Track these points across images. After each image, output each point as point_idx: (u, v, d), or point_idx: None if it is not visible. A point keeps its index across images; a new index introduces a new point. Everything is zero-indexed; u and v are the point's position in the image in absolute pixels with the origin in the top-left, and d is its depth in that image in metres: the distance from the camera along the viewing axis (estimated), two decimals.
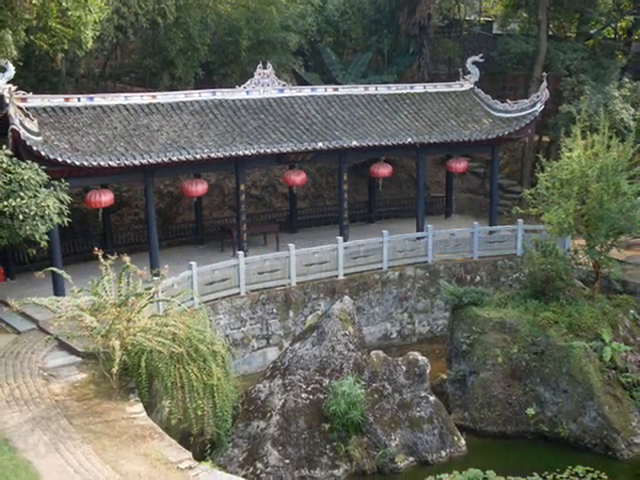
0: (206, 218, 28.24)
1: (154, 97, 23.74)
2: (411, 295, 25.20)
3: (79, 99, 22.24)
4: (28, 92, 21.23)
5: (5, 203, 17.09)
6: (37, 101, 21.21)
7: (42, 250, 19.84)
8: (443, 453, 17.67)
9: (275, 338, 22.98)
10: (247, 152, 22.95)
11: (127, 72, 35.35)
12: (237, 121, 24.12)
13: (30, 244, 18.93)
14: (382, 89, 28.21)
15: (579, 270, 21.82)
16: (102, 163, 20.28)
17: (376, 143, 25.17)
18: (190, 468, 12.25)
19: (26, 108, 20.12)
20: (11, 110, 18.53)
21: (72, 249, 24.29)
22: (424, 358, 18.88)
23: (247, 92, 25.31)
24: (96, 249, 16.52)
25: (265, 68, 25.71)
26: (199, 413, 14.83)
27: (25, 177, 17.59)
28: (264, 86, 25.58)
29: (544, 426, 18.76)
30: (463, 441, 18.12)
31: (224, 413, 15.55)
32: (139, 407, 14.28)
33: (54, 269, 17.72)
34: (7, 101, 18.55)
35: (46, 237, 17.95)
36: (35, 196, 17.55)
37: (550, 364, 19.01)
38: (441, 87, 29.20)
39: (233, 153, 22.71)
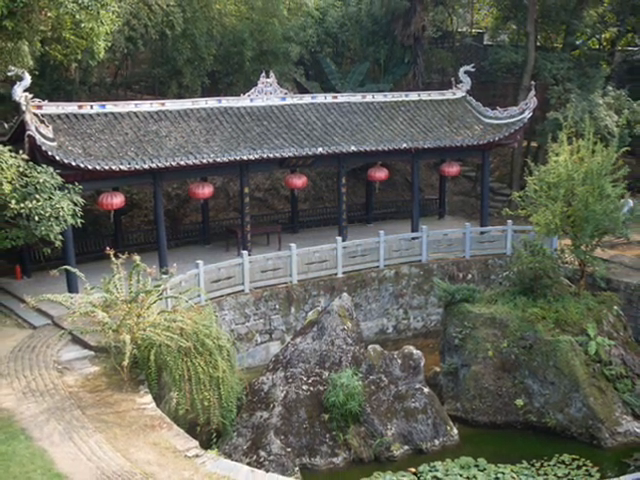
0: (212, 219, 28.21)
1: (163, 105, 23.73)
2: (406, 292, 25.19)
3: (92, 106, 22.22)
4: (43, 100, 21.24)
5: (22, 205, 17.08)
6: (52, 108, 21.19)
7: (56, 250, 19.81)
8: (437, 442, 17.66)
9: (277, 333, 22.97)
10: (251, 157, 22.94)
11: (137, 81, 35.31)
12: (241, 127, 24.11)
13: (45, 244, 18.91)
14: (379, 97, 28.20)
15: (565, 268, 21.81)
16: (113, 167, 20.28)
17: (373, 148, 25.16)
18: (197, 456, 12.25)
19: (42, 115, 20.13)
20: (27, 117, 18.53)
21: (85, 249, 24.25)
22: (419, 352, 18.88)
23: (251, 100, 25.30)
24: (108, 249, 16.54)
25: (268, 77, 25.70)
26: (205, 404, 14.82)
27: (40, 180, 17.58)
28: (267, 94, 25.56)
29: (532, 416, 18.75)
30: (455, 430, 18.11)
31: (229, 404, 15.53)
32: (148, 398, 14.27)
33: (68, 268, 17.72)
34: (24, 108, 18.56)
35: (60, 237, 17.93)
36: (50, 198, 17.53)
37: (538, 357, 19.00)
38: (435, 95, 29.17)
39: (238, 158, 22.70)
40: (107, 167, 20.14)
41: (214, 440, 15.74)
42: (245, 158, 22.85)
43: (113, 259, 16.00)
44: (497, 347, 19.49)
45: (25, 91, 19.06)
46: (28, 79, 19.24)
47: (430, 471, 16.52)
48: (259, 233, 26.55)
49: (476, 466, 16.70)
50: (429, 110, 28.12)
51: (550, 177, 20.23)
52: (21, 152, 17.73)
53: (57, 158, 19.13)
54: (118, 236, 25.28)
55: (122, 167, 20.43)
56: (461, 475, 16.28)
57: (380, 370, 18.36)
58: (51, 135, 19.73)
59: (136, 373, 15.17)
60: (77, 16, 18.78)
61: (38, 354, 16.38)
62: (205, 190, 24.16)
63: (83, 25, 19.35)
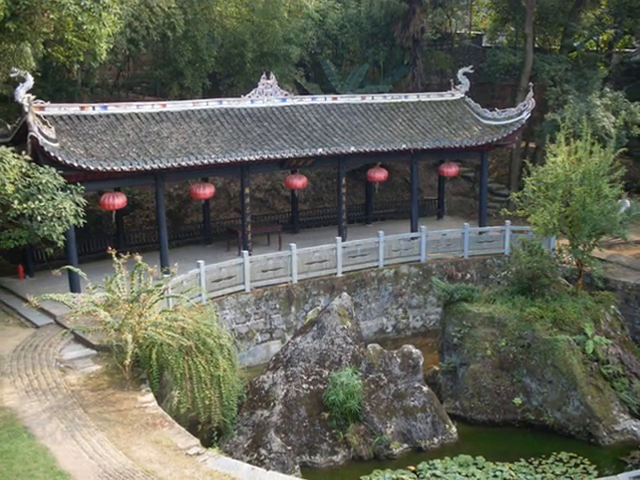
0: (213, 219, 28.22)
1: (164, 106, 23.73)
2: (405, 292, 25.18)
3: (94, 108, 22.23)
4: (46, 101, 21.24)
5: (24, 205, 17.07)
6: (54, 109, 21.20)
7: (59, 249, 19.83)
8: (435, 440, 17.66)
9: (278, 332, 22.97)
10: (252, 158, 22.93)
11: (139, 82, 35.34)
12: (242, 128, 24.10)
13: (48, 244, 18.92)
14: (378, 98, 28.20)
15: (563, 268, 21.84)
16: (115, 168, 20.28)
17: (373, 149, 25.16)
18: (198, 454, 12.25)
19: (44, 116, 20.12)
20: (30, 118, 18.53)
21: (87, 249, 24.24)
22: (418, 351, 18.88)
23: (252, 101, 25.30)
24: (110, 248, 16.57)
25: (268, 79, 25.70)
26: (206, 402, 14.83)
27: (43, 181, 17.57)
28: (267, 95, 25.56)
29: (530, 415, 18.75)
30: (454, 429, 18.11)
31: (230, 402, 15.54)
32: (150, 397, 14.27)
33: (70, 267, 17.70)
34: (26, 109, 18.55)
35: (63, 237, 17.91)
36: (52, 199, 17.53)
37: (536, 356, 19.00)
38: (433, 96, 29.17)
39: (238, 158, 22.70)
40: (109, 168, 20.15)
41: (215, 438, 15.75)
42: (246, 159, 22.85)
43: (115, 259, 16.00)
44: (495, 346, 19.49)
45: (28, 92, 19.06)
46: (31, 80, 19.24)
47: (429, 469, 16.52)
48: (260, 233, 26.55)
49: (475, 464, 16.71)
50: (428, 111, 28.12)
51: (548, 178, 20.25)
52: (24, 153, 17.71)
53: (59, 159, 19.14)
54: (120, 236, 25.28)
55: (124, 168, 20.43)
56: (460, 473, 16.28)
57: (379, 369, 18.36)
58: (53, 136, 19.73)
59: (138, 372, 15.18)
60: (79, 18, 18.77)
61: (41, 353, 16.38)
62: (206, 190, 24.17)
63: (85, 27, 19.32)
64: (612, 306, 20.75)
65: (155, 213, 25.02)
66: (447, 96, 29.23)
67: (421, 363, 18.67)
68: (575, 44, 35.05)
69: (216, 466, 11.91)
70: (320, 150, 24.17)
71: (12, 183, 16.88)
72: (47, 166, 18.20)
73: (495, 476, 16.23)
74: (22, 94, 18.87)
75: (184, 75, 29.71)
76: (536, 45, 35.01)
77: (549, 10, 33.61)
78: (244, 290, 22.03)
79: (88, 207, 19.32)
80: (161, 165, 21.11)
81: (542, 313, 19.57)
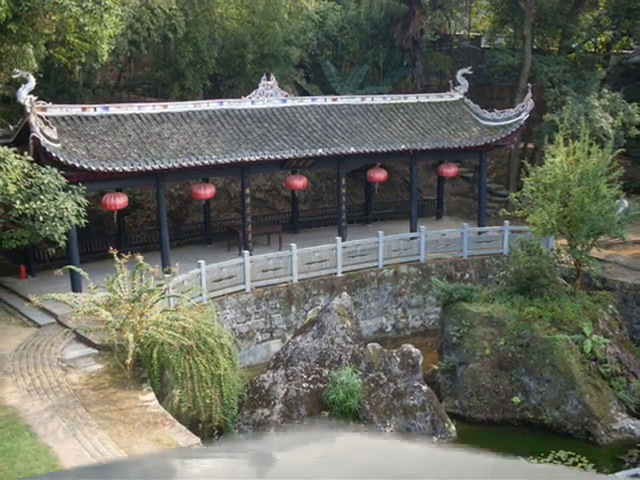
0: (214, 220, 28.21)
1: (165, 107, 23.73)
2: (405, 291, 25.18)
3: (95, 109, 22.23)
4: (48, 102, 21.23)
5: (26, 205, 17.06)
6: (56, 110, 21.19)
7: (61, 249, 19.77)
8: (434, 439, 17.65)
9: (278, 331, 22.97)
10: (252, 158, 22.93)
11: (140, 83, 35.35)
12: (243, 129, 24.10)
13: (49, 244, 18.90)
14: (378, 99, 28.20)
15: (561, 268, 21.84)
16: (117, 168, 20.28)
17: (372, 150, 25.15)
18: None
19: (46, 117, 20.12)
20: (32, 119, 18.53)
21: (89, 248, 24.23)
22: (417, 350, 18.87)
23: (252, 102, 25.30)
24: (111, 248, 16.53)
25: (269, 80, 25.69)
26: (207, 401, 14.83)
27: (45, 181, 17.56)
28: (268, 96, 25.55)
29: (529, 413, 18.75)
30: (453, 427, 18.10)
31: (230, 401, 15.53)
32: (151, 396, 14.26)
33: (72, 267, 17.69)
34: (28, 110, 18.55)
35: (64, 237, 17.90)
36: (54, 199, 17.51)
37: (534, 356, 19.00)
38: (433, 97, 29.18)
39: (239, 159, 22.70)
40: (110, 168, 20.15)
41: (216, 437, 15.74)
42: (246, 159, 22.85)
43: (116, 259, 15.99)
44: (494, 345, 19.48)
45: (30, 93, 19.05)
46: (33, 81, 19.23)
47: None
48: (260, 233, 26.55)
49: None
50: (427, 112, 28.12)
51: (546, 178, 20.24)
52: (26, 153, 17.68)
53: (61, 159, 19.13)
54: (121, 236, 25.27)
55: (125, 168, 20.43)
56: None
57: (379, 368, 18.35)
58: (55, 137, 19.73)
59: (139, 371, 15.17)
60: (81, 20, 18.76)
61: (42, 352, 16.37)
62: (207, 191, 24.16)
63: (87, 28, 19.32)
64: (610, 306, 20.74)
65: (156, 213, 25.01)
66: (446, 97, 29.23)
67: (420, 362, 18.67)
68: (573, 45, 35.07)
69: None
70: (320, 151, 24.17)
71: (14, 183, 16.87)
72: (49, 166, 18.17)
73: None
74: (24, 95, 18.87)
75: (185, 76, 29.71)
76: (534, 46, 34.99)
77: (547, 12, 33.62)
78: (244, 290, 22.02)
79: (90, 207, 19.31)
80: (162, 165, 21.11)
81: (541, 313, 19.57)
